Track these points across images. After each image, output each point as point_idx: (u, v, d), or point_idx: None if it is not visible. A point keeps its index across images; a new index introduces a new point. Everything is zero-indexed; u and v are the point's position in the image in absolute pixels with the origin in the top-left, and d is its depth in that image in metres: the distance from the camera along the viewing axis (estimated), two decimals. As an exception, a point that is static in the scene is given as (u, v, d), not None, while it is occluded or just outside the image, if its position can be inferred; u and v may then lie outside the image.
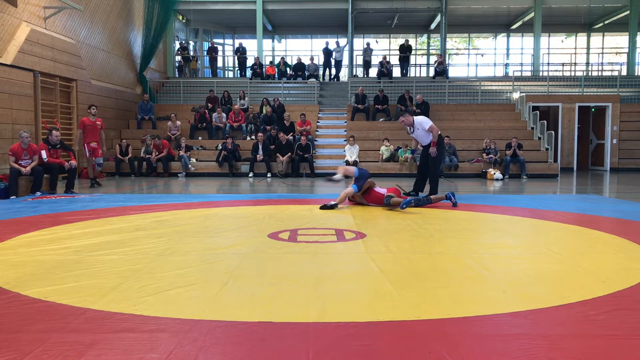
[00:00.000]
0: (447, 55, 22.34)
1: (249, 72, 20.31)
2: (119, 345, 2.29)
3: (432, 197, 7.18)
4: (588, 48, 24.41)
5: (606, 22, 22.39)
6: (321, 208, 6.77)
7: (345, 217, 6.15)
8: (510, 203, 7.69)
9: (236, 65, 22.05)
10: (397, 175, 13.28)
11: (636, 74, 20.91)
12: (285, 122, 14.92)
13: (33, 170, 8.63)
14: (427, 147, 8.11)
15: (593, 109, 17.59)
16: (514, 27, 23.46)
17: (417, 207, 6.82)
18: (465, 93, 18.45)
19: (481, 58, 26.41)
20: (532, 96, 17.11)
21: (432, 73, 20.78)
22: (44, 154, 8.90)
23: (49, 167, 8.93)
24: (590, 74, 21.85)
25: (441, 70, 19.16)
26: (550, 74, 21.57)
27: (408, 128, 8.21)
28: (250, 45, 23.00)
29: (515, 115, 16.65)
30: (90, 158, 10.68)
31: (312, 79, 19.24)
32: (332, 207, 6.76)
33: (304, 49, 25.64)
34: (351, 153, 13.90)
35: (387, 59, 19.95)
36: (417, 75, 23.64)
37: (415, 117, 8.11)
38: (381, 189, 7.05)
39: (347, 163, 13.73)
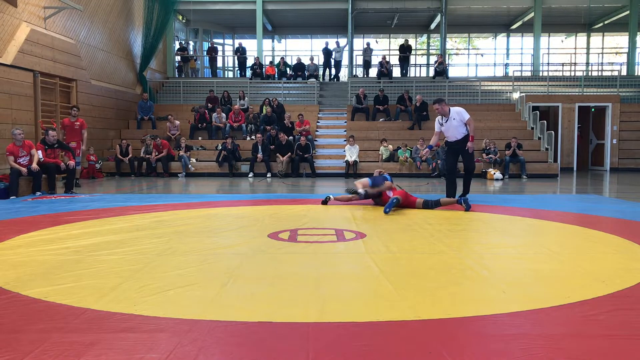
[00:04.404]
0: (447, 55, 22.32)
1: (248, 72, 20.30)
2: (119, 345, 2.29)
3: (441, 200, 6.92)
4: (588, 48, 24.39)
5: (606, 22, 22.38)
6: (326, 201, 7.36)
7: (345, 217, 6.15)
8: (510, 203, 7.68)
9: (236, 65, 22.04)
10: (397, 176, 13.27)
11: (636, 74, 20.90)
12: (285, 122, 14.91)
13: (31, 171, 8.62)
14: (455, 143, 7.55)
15: (593, 109, 17.59)
16: (514, 27, 23.45)
17: (426, 209, 6.75)
18: (465, 93, 18.44)
19: (481, 58, 26.40)
20: (532, 96, 17.11)
21: (432, 73, 20.78)
22: (40, 154, 8.90)
23: (45, 167, 8.93)
24: (590, 74, 21.84)
25: (441, 70, 19.16)
26: (550, 74, 21.55)
27: (439, 118, 7.56)
28: (250, 45, 22.98)
29: (515, 115, 16.65)
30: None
31: (312, 79, 19.23)
32: (357, 194, 7.15)
33: (304, 49, 25.64)
34: (351, 153, 13.90)
35: (387, 59, 19.94)
36: (417, 75, 23.62)
37: (452, 107, 7.59)
38: (391, 193, 6.91)
39: (347, 163, 13.76)
